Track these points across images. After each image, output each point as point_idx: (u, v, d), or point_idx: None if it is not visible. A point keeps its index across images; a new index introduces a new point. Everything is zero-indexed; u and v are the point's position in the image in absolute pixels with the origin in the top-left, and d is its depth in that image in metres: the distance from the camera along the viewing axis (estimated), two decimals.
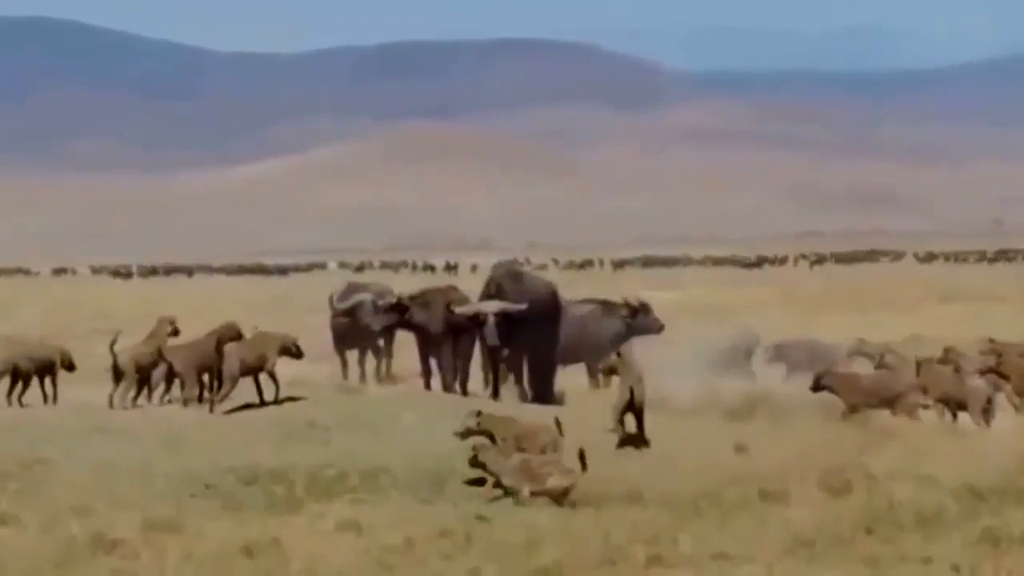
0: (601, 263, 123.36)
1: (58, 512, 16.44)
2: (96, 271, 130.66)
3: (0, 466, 18.25)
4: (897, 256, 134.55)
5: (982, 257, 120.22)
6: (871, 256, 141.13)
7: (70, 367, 22.28)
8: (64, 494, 17.33)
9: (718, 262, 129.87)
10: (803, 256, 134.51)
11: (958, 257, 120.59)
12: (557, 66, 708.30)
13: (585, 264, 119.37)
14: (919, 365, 23.63)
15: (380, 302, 26.29)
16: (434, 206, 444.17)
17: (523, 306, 23.97)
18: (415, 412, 19.02)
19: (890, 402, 22.12)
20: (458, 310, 24.29)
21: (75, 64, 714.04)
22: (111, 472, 18.16)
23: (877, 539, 15.37)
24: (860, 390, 22.50)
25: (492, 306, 23.92)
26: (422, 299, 25.58)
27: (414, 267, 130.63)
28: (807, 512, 16.25)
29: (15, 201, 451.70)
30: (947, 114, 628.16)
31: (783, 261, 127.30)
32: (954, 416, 22.96)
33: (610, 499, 17.13)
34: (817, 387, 22.72)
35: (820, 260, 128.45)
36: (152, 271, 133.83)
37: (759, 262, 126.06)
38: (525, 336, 24.15)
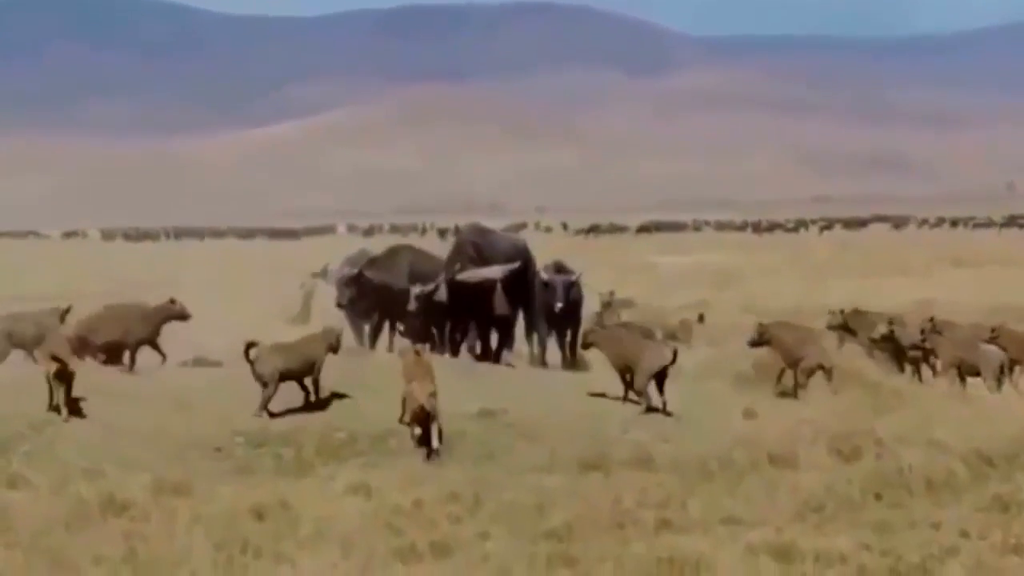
0: (611, 228, 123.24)
1: (68, 474, 16.47)
2: (107, 235, 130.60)
3: (11, 428, 18.28)
4: (907, 221, 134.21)
5: (993, 222, 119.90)
6: (881, 221, 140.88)
7: None
8: (74, 456, 17.36)
9: (728, 227, 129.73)
10: (812, 221, 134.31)
11: (968, 222, 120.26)
12: (568, 30, 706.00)
13: (593, 229, 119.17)
14: (924, 331, 23.62)
15: (343, 273, 24.97)
16: (444, 170, 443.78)
17: (517, 264, 23.40)
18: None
19: (796, 362, 21.83)
20: (461, 277, 23.16)
21: (88, 25, 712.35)
22: (121, 434, 18.19)
23: (886, 504, 15.38)
24: (786, 346, 22.13)
25: (496, 271, 23.19)
26: (384, 259, 24.81)
27: (424, 230, 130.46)
28: (816, 477, 16.26)
29: (26, 162, 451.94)
30: (960, 79, 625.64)
31: (794, 226, 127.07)
32: (962, 381, 22.97)
33: (619, 463, 17.15)
34: (757, 343, 22.51)
35: (829, 225, 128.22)
36: (163, 234, 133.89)
37: (769, 227, 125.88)
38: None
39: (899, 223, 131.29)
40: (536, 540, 13.95)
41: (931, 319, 24.62)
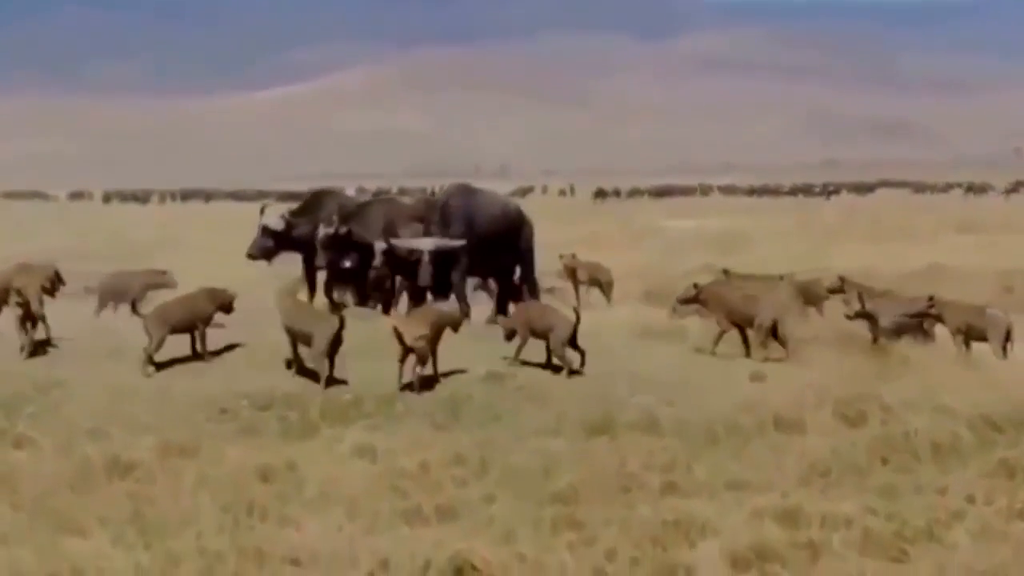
0: (617, 192, 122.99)
1: (74, 435, 16.48)
2: (110, 196, 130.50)
3: (16, 388, 18.30)
4: (914, 186, 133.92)
5: (999, 188, 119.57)
6: (888, 185, 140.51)
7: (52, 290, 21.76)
8: (80, 417, 17.37)
9: (735, 191, 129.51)
10: (820, 186, 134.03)
11: (975, 188, 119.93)
12: None
13: (600, 193, 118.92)
14: (931, 298, 23.56)
15: (321, 233, 23.49)
16: (451, 133, 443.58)
17: (460, 243, 22.58)
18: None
19: (748, 322, 21.67)
20: (396, 242, 22.53)
21: None
22: (127, 395, 18.20)
23: (892, 469, 15.37)
24: (724, 307, 21.96)
25: (427, 243, 22.44)
26: (359, 214, 23.81)
27: (432, 193, 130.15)
28: (823, 441, 16.25)
29: (33, 123, 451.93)
30: (967, 44, 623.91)
31: (803, 191, 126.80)
32: (967, 346, 22.91)
33: (625, 426, 17.14)
34: (690, 300, 22.42)
35: (836, 190, 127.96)
36: (169, 196, 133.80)
37: (776, 191, 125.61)
38: (484, 257, 23.20)
39: (918, 188, 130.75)
40: (542, 503, 13.95)
41: (840, 277, 24.66)
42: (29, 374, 18.76)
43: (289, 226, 23.93)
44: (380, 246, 22.49)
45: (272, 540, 12.63)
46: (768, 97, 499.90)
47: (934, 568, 11.88)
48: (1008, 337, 22.80)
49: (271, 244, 23.97)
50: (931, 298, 23.54)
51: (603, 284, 31.62)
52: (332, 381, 18.51)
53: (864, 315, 22.46)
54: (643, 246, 50.05)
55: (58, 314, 21.34)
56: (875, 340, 22.23)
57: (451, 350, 18.94)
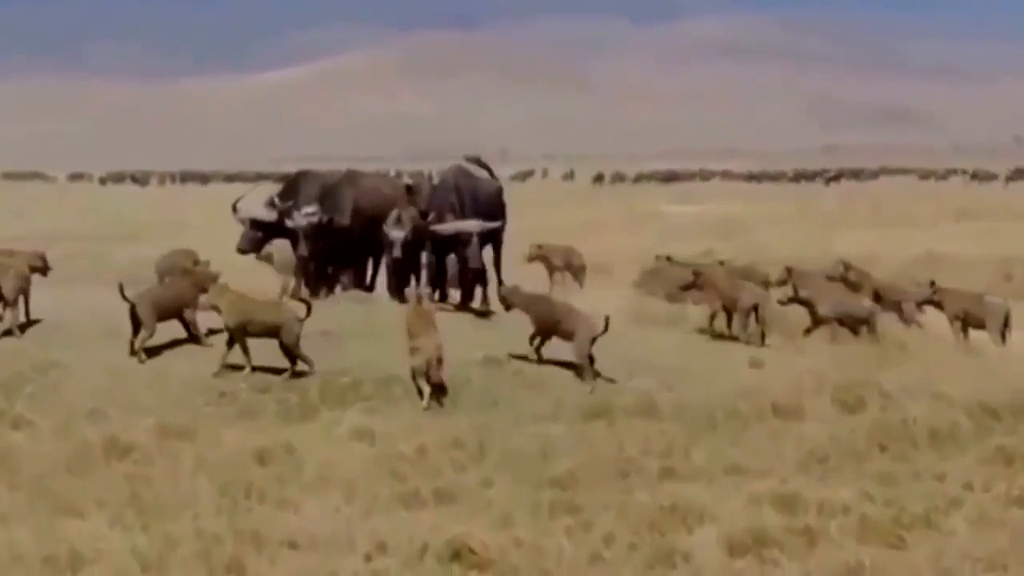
0: (620, 178, 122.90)
1: (72, 416, 16.49)
2: (109, 178, 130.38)
3: (15, 369, 18.28)
4: (920, 173, 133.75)
5: (998, 176, 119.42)
6: (889, 172, 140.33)
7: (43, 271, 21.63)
8: (79, 398, 17.37)
9: (735, 176, 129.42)
10: (820, 172, 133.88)
11: (976, 175, 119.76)
12: None
13: (599, 178, 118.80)
14: (933, 284, 23.57)
15: (306, 221, 22.51)
16: (452, 116, 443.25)
17: (497, 224, 22.36)
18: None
19: (734, 305, 21.79)
20: (439, 228, 21.71)
21: None
22: (126, 377, 18.18)
23: (890, 456, 15.39)
24: (720, 289, 22.08)
25: (474, 225, 21.87)
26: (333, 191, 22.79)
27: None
28: (821, 428, 16.27)
29: (33, 104, 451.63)
30: (969, 31, 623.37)
31: (805, 177, 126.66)
32: (965, 333, 22.94)
33: (623, 411, 17.15)
34: (689, 286, 22.64)
35: (837, 176, 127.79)
36: (168, 178, 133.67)
37: (777, 177, 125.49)
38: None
39: (923, 175, 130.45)
40: (539, 487, 13.96)
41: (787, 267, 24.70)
42: (27, 355, 18.73)
43: (281, 215, 22.88)
44: (398, 235, 21.99)
45: (270, 523, 12.64)
46: (769, 82, 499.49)
47: (931, 554, 11.89)
48: (1006, 324, 22.84)
49: (260, 235, 23.17)
50: (933, 284, 23.57)
51: (575, 268, 31.45)
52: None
53: (800, 301, 22.33)
54: (643, 231, 50.03)
55: (57, 296, 21.34)
56: (814, 326, 22.06)
57: (449, 334, 18.92)
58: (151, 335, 18.96)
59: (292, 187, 23.43)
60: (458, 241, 21.81)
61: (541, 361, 18.99)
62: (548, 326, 19.11)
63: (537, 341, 19.14)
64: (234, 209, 23.62)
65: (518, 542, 12.06)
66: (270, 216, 23.08)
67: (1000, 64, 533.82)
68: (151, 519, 12.77)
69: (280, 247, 23.77)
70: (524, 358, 19.09)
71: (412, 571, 11.55)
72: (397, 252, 21.82)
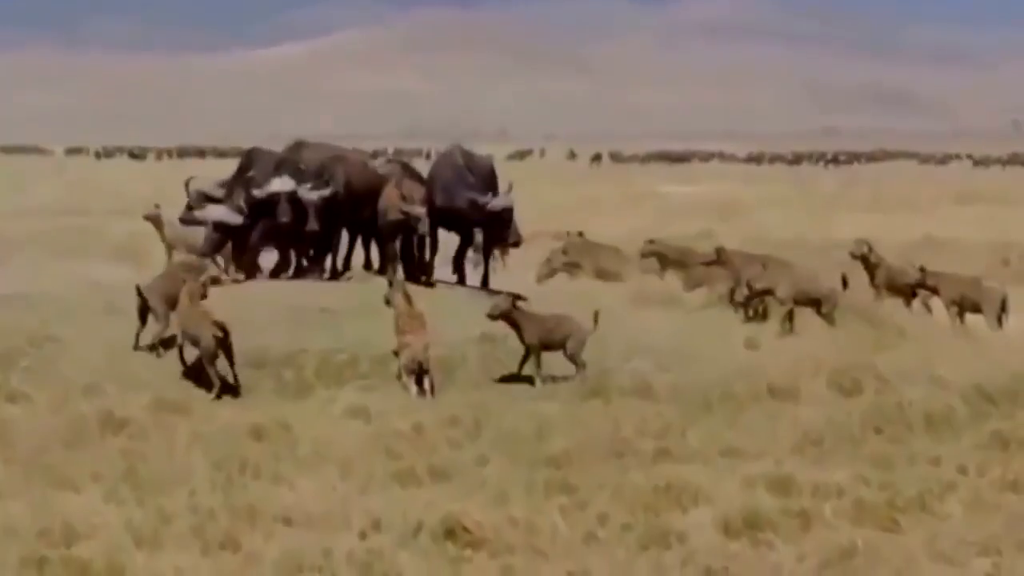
0: (618, 157, 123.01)
1: (68, 391, 16.49)
2: (105, 153, 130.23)
3: (11, 343, 18.27)
4: (921, 158, 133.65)
5: (998, 160, 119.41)
6: (888, 156, 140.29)
7: None
8: (75, 373, 17.37)
9: (733, 158, 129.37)
10: (820, 155, 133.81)
11: (975, 159, 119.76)
12: None
13: (597, 158, 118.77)
14: (923, 270, 23.52)
15: (317, 195, 21.34)
16: (449, 95, 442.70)
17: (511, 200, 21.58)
18: (427, 300, 18.95)
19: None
20: (492, 205, 20.95)
21: None
22: (122, 352, 18.17)
23: (886, 439, 15.38)
24: (735, 268, 22.16)
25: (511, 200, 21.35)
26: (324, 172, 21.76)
27: (428, 155, 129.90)
28: (816, 410, 16.26)
29: (31, 79, 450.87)
30: (970, 15, 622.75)
31: (805, 159, 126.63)
32: (961, 318, 22.92)
33: (619, 391, 17.15)
34: (711, 262, 22.77)
35: (836, 159, 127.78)
36: (166, 153, 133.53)
37: (776, 159, 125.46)
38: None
39: (925, 159, 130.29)
40: (535, 466, 13.96)
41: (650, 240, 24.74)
42: (23, 329, 18.71)
43: (248, 214, 21.37)
44: (420, 210, 21.42)
45: (265, 499, 12.64)
46: (769, 64, 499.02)
47: (926, 538, 11.89)
48: (1003, 309, 22.82)
49: (220, 237, 21.69)
50: (922, 269, 23.52)
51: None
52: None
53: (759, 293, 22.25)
54: (641, 211, 50.00)
55: (53, 270, 21.36)
56: (742, 309, 21.93)
57: (446, 312, 18.91)
58: (166, 327, 18.45)
59: (246, 166, 22.38)
60: (499, 219, 21.35)
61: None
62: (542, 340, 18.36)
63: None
64: (186, 186, 23.01)
65: (513, 520, 12.05)
66: (235, 220, 21.52)
67: (1001, 49, 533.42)
68: (146, 494, 12.76)
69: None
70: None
71: (406, 548, 11.54)
72: (424, 229, 21.42)
